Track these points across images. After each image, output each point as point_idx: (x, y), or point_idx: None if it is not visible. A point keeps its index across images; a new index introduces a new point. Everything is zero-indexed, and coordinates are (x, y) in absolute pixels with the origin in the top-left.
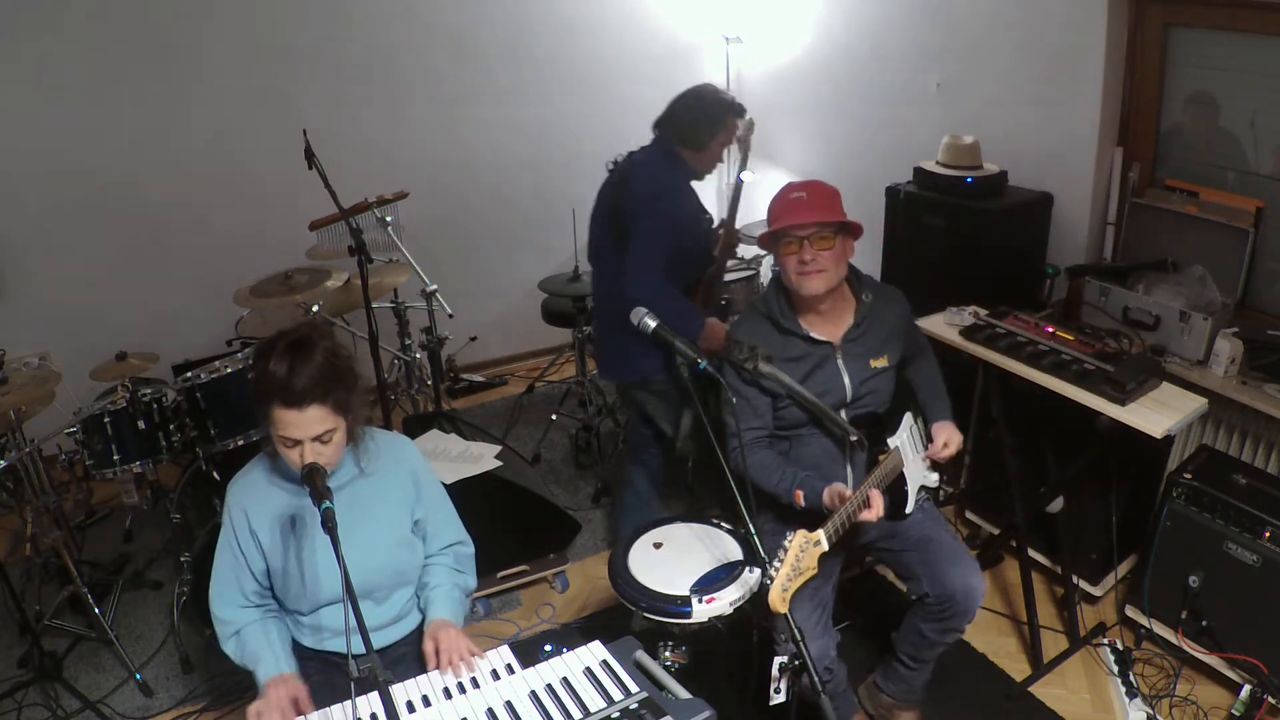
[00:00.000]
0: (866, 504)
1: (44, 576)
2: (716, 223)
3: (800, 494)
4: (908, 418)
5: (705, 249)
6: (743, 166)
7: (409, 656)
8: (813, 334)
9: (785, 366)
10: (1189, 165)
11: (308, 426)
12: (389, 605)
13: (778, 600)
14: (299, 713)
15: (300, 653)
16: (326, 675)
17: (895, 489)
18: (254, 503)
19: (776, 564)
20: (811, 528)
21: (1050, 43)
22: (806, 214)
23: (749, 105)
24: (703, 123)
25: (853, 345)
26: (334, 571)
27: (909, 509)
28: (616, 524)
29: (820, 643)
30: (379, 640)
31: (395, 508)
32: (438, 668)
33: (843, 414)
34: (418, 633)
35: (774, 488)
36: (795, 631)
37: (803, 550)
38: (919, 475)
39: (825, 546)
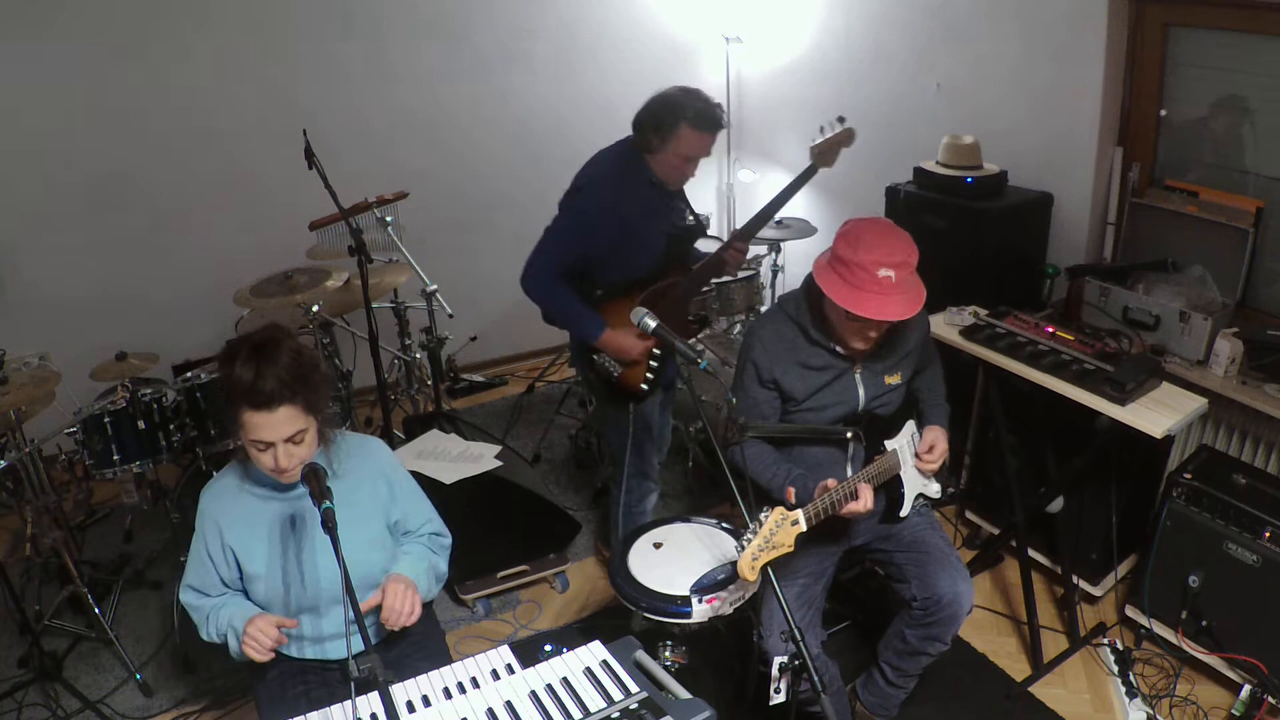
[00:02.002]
0: (854, 496)
1: (44, 576)
2: (717, 233)
3: (791, 491)
4: (910, 425)
5: (653, 257)
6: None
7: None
8: (838, 349)
9: (806, 373)
10: (1189, 165)
11: (279, 428)
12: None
13: (746, 568)
14: (294, 701)
15: (287, 665)
16: (320, 679)
17: (892, 492)
18: (227, 512)
19: (749, 535)
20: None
21: (1050, 43)
22: (892, 308)
23: (749, 105)
24: (651, 126)
25: (872, 363)
26: (320, 574)
27: (904, 512)
28: (608, 532)
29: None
30: (355, 645)
31: (365, 509)
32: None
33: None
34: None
35: (767, 483)
36: (795, 632)
37: (778, 525)
38: (918, 482)
39: (802, 526)
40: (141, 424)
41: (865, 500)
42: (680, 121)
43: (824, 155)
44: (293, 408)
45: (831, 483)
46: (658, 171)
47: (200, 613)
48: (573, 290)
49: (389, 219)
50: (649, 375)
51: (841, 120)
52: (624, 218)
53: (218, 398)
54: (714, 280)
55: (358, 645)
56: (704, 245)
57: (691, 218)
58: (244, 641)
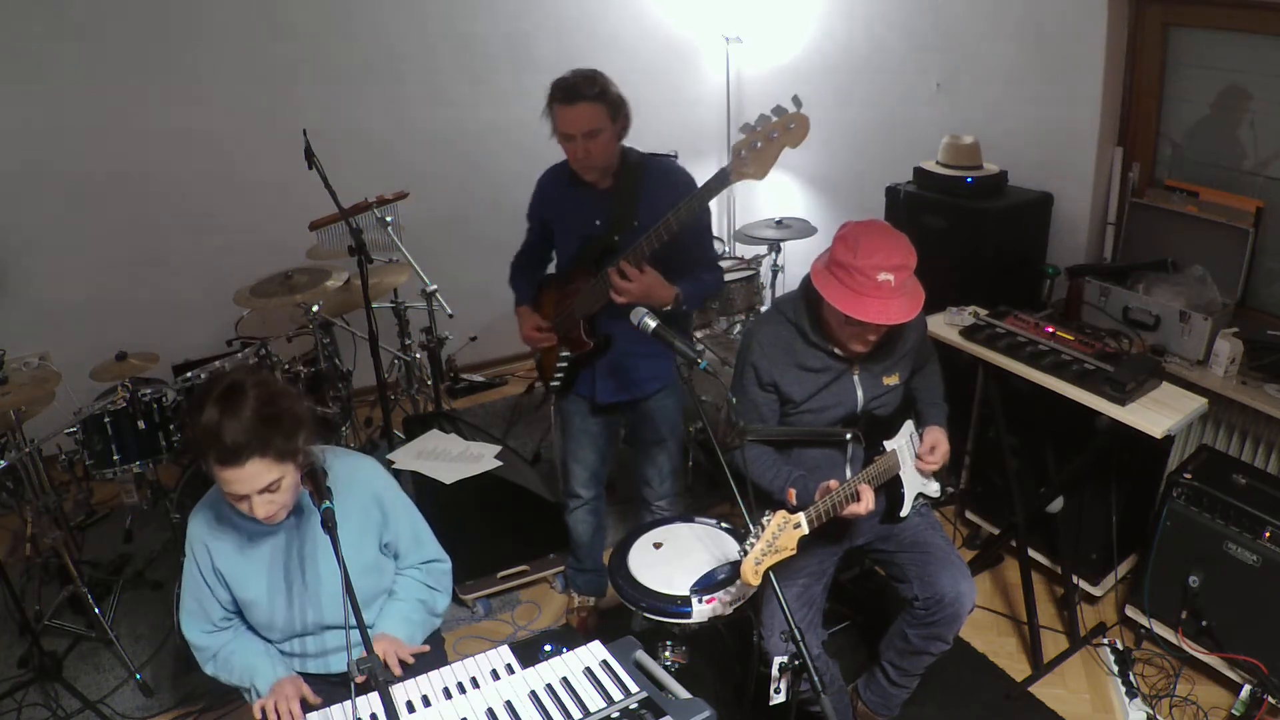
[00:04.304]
0: (855, 497)
1: (44, 576)
2: (717, 233)
3: (792, 493)
4: (909, 425)
5: (567, 256)
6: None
7: None
8: (836, 350)
9: (804, 375)
10: (1189, 165)
11: (249, 481)
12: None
13: (749, 573)
14: (308, 707)
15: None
16: (321, 685)
17: (891, 492)
18: (216, 537)
19: (753, 540)
20: None
21: (1050, 43)
22: (893, 311)
23: (749, 105)
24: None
25: (870, 364)
26: (322, 594)
27: (904, 512)
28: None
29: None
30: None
31: (356, 534)
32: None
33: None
34: None
35: (768, 484)
36: (795, 632)
37: (780, 529)
38: (917, 482)
39: (805, 529)
40: (141, 424)
41: (866, 501)
42: (550, 103)
43: (756, 160)
44: (263, 460)
45: (833, 484)
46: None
47: (206, 653)
48: (524, 270)
49: (389, 219)
50: (557, 373)
51: (797, 103)
52: (542, 211)
53: None
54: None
55: (358, 647)
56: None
57: (614, 226)
58: (265, 704)
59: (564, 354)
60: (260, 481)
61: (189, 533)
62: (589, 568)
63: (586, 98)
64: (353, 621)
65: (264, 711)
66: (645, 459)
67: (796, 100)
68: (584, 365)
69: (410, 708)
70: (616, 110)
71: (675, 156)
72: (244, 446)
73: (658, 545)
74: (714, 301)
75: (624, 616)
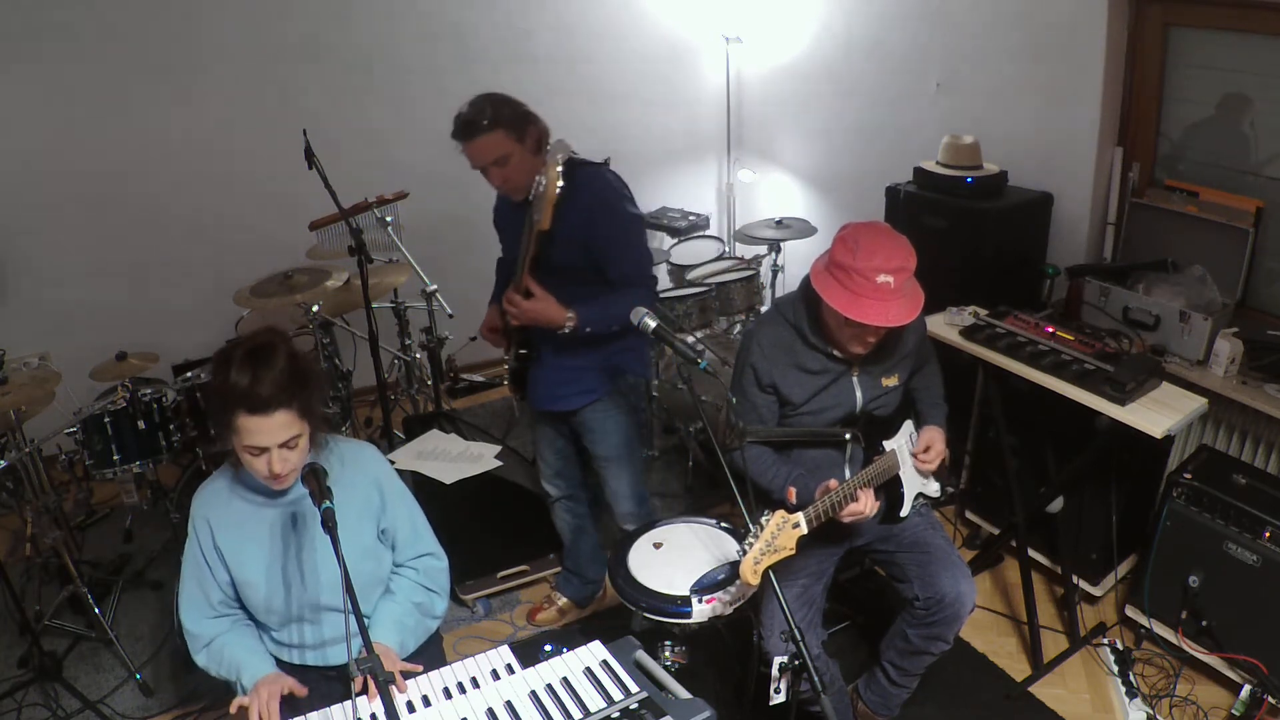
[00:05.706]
0: (853, 498)
1: (44, 576)
2: (716, 233)
3: (793, 491)
4: (908, 425)
5: (510, 263)
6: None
7: None
8: (835, 352)
9: (803, 377)
10: (1189, 165)
11: (274, 433)
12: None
13: (748, 572)
14: (295, 702)
15: (287, 670)
16: (320, 682)
17: (891, 492)
18: (218, 515)
19: (751, 539)
20: None
21: (1050, 43)
22: (892, 313)
23: (749, 105)
24: None
25: (870, 365)
26: (320, 578)
27: (904, 512)
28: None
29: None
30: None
31: (357, 518)
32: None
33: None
34: None
35: (769, 483)
36: (795, 632)
37: (779, 528)
38: (917, 482)
39: (804, 529)
40: (141, 424)
41: (865, 503)
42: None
43: (539, 208)
44: (289, 412)
45: (833, 483)
46: None
47: (199, 640)
48: (499, 271)
49: (389, 219)
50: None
51: (559, 148)
52: (495, 220)
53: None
54: (714, 281)
55: (358, 646)
56: (703, 246)
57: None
58: (245, 702)
59: (503, 355)
60: (284, 434)
61: (192, 510)
62: (570, 569)
63: (481, 130)
64: (353, 622)
65: (244, 709)
66: (597, 474)
67: (559, 145)
68: (526, 370)
69: (410, 708)
70: (521, 131)
71: (607, 163)
72: (274, 397)
73: (658, 545)
74: (714, 302)
75: (624, 616)
